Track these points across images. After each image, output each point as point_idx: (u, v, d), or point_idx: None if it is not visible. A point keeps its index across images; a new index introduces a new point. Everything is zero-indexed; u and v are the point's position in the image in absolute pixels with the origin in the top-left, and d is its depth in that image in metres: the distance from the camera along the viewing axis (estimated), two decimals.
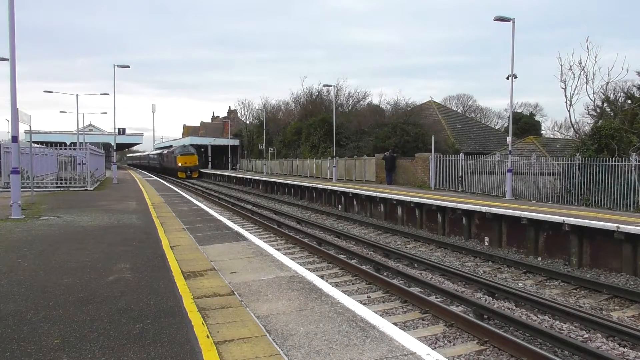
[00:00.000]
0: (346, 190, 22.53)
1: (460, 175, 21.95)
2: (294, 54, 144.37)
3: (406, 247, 13.55)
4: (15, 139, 12.84)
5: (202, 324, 4.37)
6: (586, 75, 23.46)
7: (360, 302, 6.05)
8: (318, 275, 6.52)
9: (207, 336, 4.06)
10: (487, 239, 13.92)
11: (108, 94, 50.53)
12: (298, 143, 46.73)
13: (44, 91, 55.15)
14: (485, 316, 7.16)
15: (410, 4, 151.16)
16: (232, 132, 69.67)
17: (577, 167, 16.56)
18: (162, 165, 64.17)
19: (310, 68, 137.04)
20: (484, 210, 13.82)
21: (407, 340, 3.98)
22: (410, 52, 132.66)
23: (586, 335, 6.46)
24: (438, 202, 15.89)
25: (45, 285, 5.72)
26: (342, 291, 6.02)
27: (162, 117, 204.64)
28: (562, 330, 6.69)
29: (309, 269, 7.58)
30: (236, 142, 66.97)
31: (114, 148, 41.77)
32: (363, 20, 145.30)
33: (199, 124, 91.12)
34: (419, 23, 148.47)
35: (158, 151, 73.77)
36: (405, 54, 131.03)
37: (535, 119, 54.97)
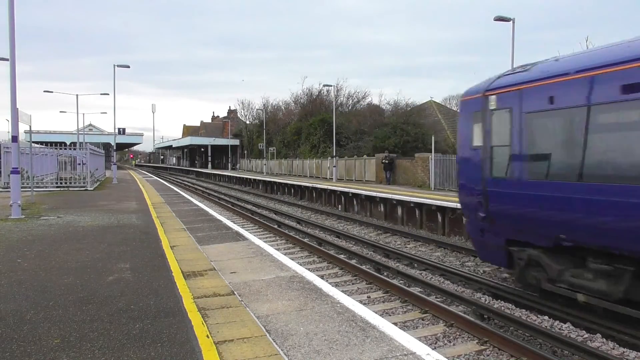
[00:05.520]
0: (346, 190, 22.53)
1: None
2: (296, 54, 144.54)
3: (406, 247, 13.54)
4: (15, 139, 12.85)
5: (202, 324, 4.37)
6: None
7: (360, 302, 6.05)
8: (318, 275, 6.52)
9: (207, 336, 4.06)
10: None
11: (108, 94, 50.60)
12: (298, 143, 46.76)
13: (44, 91, 55.23)
14: (485, 316, 7.16)
15: (413, 4, 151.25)
16: (232, 132, 69.70)
17: None
18: None
19: (312, 68, 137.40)
20: None
21: (407, 340, 3.98)
22: (412, 52, 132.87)
23: (586, 335, 6.46)
24: (438, 202, 15.87)
25: (45, 285, 5.72)
26: (342, 291, 6.02)
27: (162, 117, 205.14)
28: (562, 330, 6.69)
29: (309, 269, 7.58)
30: (236, 142, 67.02)
31: (114, 148, 41.77)
32: (366, 20, 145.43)
33: (199, 124, 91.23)
34: (421, 23, 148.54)
35: None
36: (407, 53, 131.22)
37: None
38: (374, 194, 19.93)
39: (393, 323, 4.79)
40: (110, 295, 5.30)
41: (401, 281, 9.13)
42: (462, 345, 6.16)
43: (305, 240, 13.33)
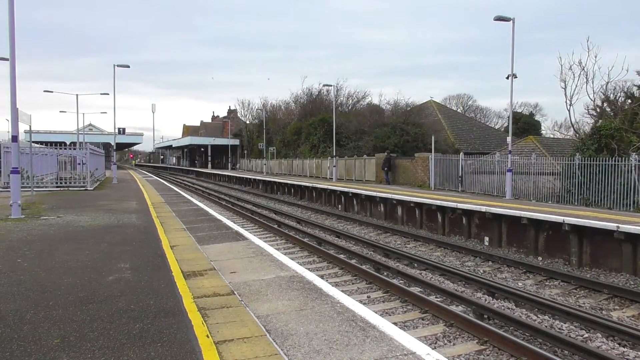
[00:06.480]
0: (346, 190, 22.53)
1: (460, 175, 21.94)
2: (296, 54, 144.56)
3: (406, 246, 13.54)
4: (15, 138, 12.83)
5: (202, 323, 4.37)
6: (586, 75, 23.38)
7: (360, 301, 6.05)
8: (318, 275, 6.52)
9: (207, 336, 4.06)
10: (487, 238, 13.91)
11: (108, 94, 50.42)
12: (298, 143, 46.74)
13: (44, 91, 55.15)
14: (485, 316, 7.16)
15: (413, 4, 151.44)
16: (232, 132, 69.64)
17: (577, 167, 16.56)
18: None
19: (312, 68, 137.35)
20: (483, 210, 13.81)
21: (407, 340, 3.98)
22: (413, 51, 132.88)
23: (586, 335, 6.46)
24: (438, 202, 15.88)
25: (45, 285, 5.72)
26: (342, 291, 6.02)
27: (162, 117, 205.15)
28: (562, 330, 6.69)
29: (309, 269, 7.58)
30: (236, 142, 67.00)
31: (114, 148, 41.74)
32: (366, 20, 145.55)
33: (199, 124, 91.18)
34: (421, 23, 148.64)
35: None
36: (407, 53, 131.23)
37: (535, 119, 54.96)
38: (374, 193, 19.93)
39: (393, 323, 4.79)
40: (110, 295, 5.30)
41: (401, 281, 9.13)
42: (462, 345, 6.16)
43: (305, 240, 13.33)
